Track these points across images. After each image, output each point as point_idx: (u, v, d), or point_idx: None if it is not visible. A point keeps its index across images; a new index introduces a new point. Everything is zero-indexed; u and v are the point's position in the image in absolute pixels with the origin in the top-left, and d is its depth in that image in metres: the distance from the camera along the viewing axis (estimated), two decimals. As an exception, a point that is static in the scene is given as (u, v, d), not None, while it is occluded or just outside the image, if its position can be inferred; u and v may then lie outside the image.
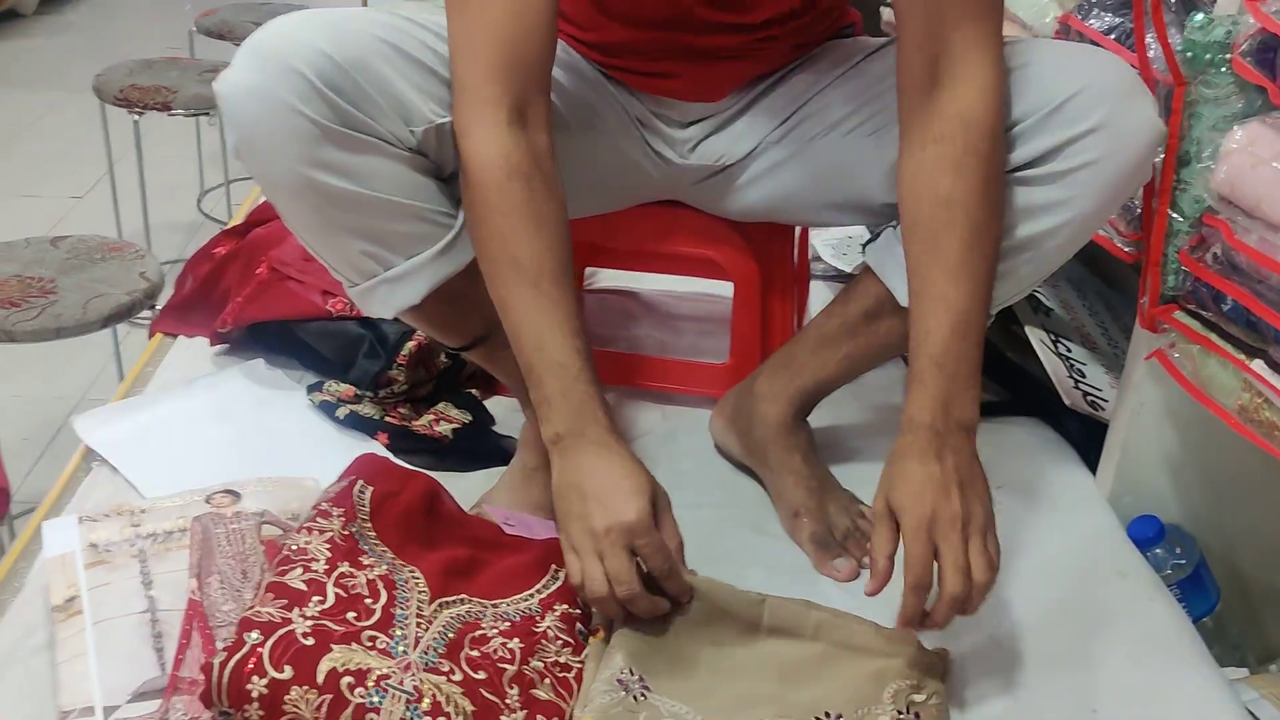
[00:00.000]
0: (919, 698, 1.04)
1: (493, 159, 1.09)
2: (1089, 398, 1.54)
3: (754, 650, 1.07)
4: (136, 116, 2.65)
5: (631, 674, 1.03)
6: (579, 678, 1.05)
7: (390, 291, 1.19)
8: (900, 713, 1.03)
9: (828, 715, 1.02)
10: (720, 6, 1.21)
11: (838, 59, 1.30)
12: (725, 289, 1.54)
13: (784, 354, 1.38)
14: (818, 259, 1.89)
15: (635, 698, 1.01)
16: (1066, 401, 1.52)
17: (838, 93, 1.28)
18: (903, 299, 1.19)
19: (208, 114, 2.71)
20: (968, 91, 1.07)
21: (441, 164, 1.16)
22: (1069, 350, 1.64)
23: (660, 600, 1.06)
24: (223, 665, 0.96)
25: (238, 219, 1.95)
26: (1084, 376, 1.58)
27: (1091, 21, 1.40)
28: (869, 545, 1.07)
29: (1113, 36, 1.36)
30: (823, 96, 1.28)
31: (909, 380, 1.08)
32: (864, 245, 1.31)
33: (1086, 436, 1.50)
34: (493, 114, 1.09)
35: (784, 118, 1.30)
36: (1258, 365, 1.08)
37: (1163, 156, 1.19)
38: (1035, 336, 1.63)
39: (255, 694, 0.94)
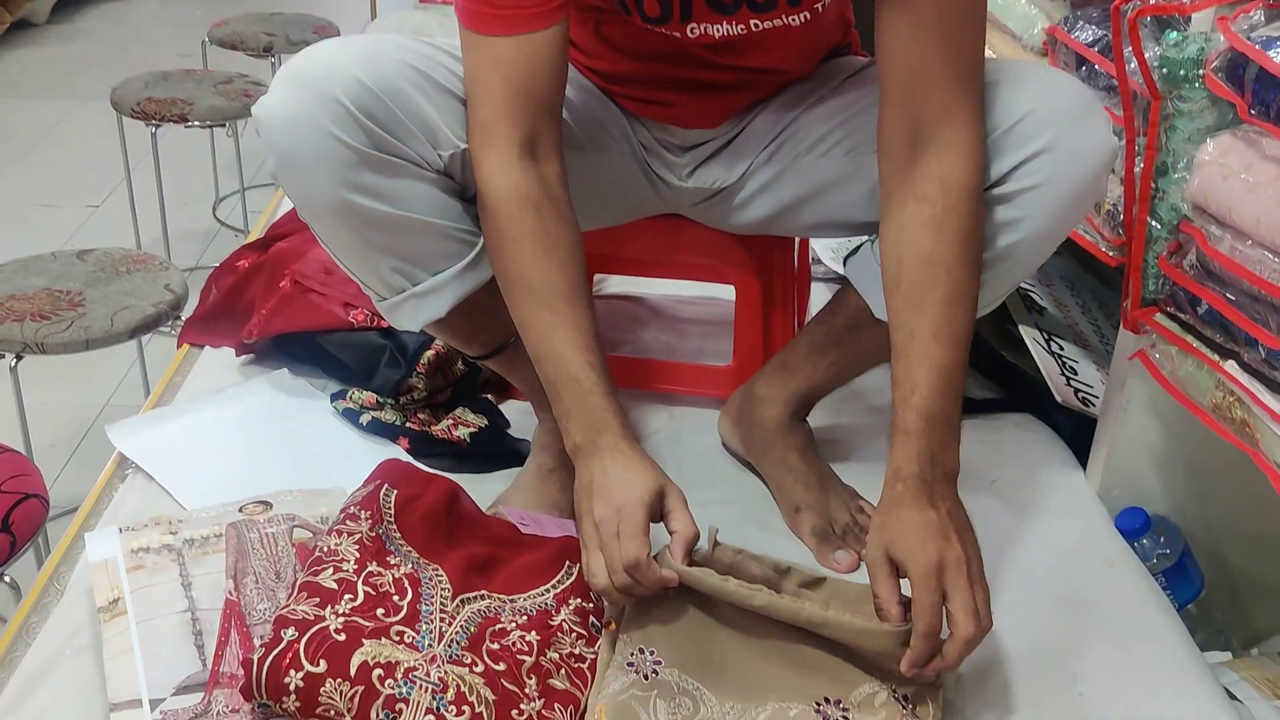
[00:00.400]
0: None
1: (505, 191, 1.15)
2: (1080, 394, 1.59)
3: (756, 629, 1.10)
4: (153, 129, 2.72)
5: (642, 653, 1.09)
6: (593, 668, 1.11)
7: (418, 305, 1.25)
8: (894, 689, 1.07)
9: (827, 700, 1.07)
10: (720, 52, 1.25)
11: (821, 79, 1.34)
12: (728, 292, 1.60)
13: (780, 359, 1.44)
14: (818, 262, 1.95)
15: (646, 676, 1.07)
16: (1059, 398, 1.57)
17: (818, 113, 1.32)
18: (878, 313, 1.25)
19: (223, 125, 2.77)
20: (948, 152, 1.11)
21: (465, 185, 1.22)
22: (1062, 349, 1.69)
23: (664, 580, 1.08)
24: (261, 660, 1.02)
25: (257, 231, 2.02)
26: (1075, 374, 1.64)
27: (1077, 34, 1.45)
28: (876, 598, 1.08)
29: (1096, 49, 1.41)
30: (804, 117, 1.33)
31: (895, 432, 1.11)
32: (845, 259, 1.36)
33: (1078, 432, 1.55)
34: (504, 149, 1.15)
35: (770, 139, 1.34)
36: (1230, 366, 1.13)
37: (1142, 166, 1.24)
38: (1029, 336, 1.68)
39: (293, 687, 1.01)
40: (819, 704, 1.07)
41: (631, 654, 1.09)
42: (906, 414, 1.10)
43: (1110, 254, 1.37)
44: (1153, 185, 1.24)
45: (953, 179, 1.11)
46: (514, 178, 1.15)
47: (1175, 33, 1.18)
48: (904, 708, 1.06)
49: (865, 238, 1.33)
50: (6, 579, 1.46)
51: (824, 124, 1.31)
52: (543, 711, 1.04)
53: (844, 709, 1.07)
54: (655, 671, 1.08)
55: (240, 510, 1.25)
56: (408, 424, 1.52)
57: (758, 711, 1.06)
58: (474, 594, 1.14)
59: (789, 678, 1.08)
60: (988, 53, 1.18)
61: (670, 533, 1.11)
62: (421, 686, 1.02)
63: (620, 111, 1.36)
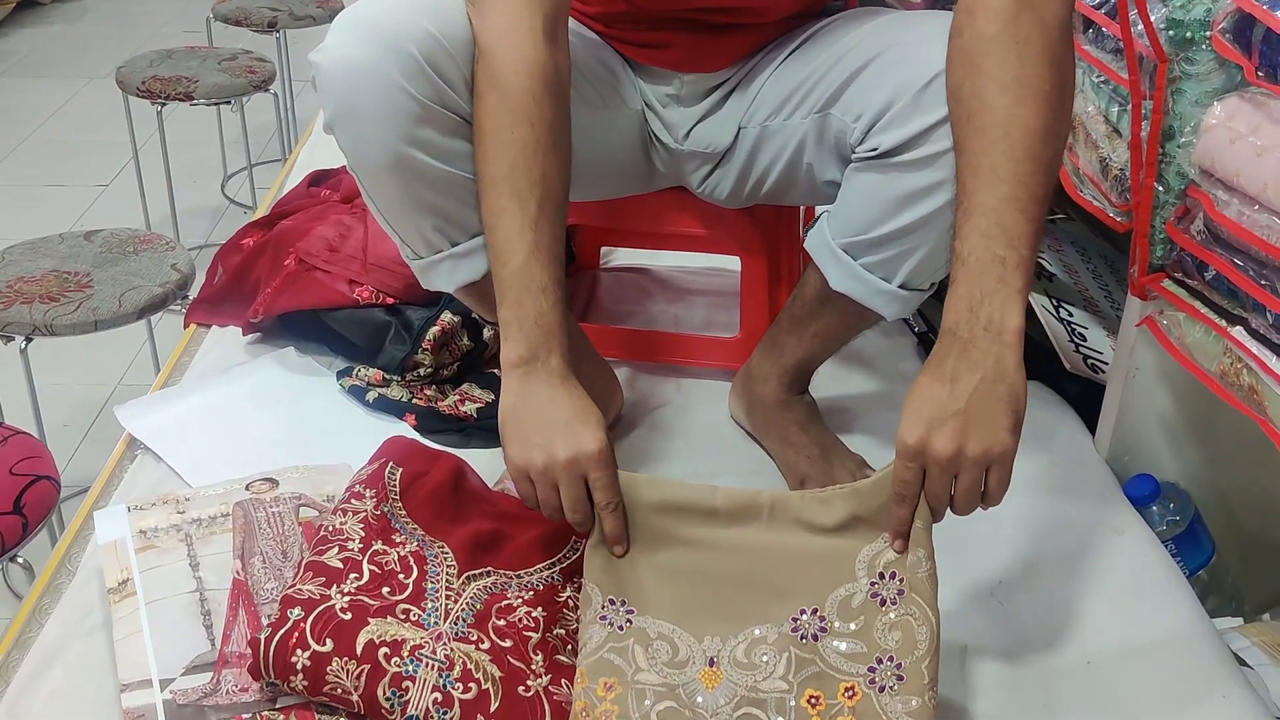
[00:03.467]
0: (894, 556, 1.02)
1: (530, 67, 1.08)
2: (1089, 361, 1.59)
3: (721, 552, 1.06)
4: (159, 107, 2.71)
5: (612, 604, 1.05)
6: (600, 643, 1.11)
7: (454, 266, 1.24)
8: (877, 580, 1.01)
9: (802, 612, 1.03)
10: None
11: (792, 37, 1.31)
12: (735, 262, 1.59)
13: (770, 335, 1.43)
14: (825, 231, 1.93)
15: (620, 627, 1.04)
16: (1067, 365, 1.57)
17: (784, 74, 1.29)
18: (832, 283, 1.25)
19: (228, 103, 2.77)
20: None
21: None
22: (1070, 315, 1.68)
23: (614, 527, 1.05)
24: (268, 640, 1.03)
25: (262, 209, 2.01)
26: (1085, 340, 1.63)
27: (1083, -4, 1.44)
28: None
29: (1102, 11, 1.39)
30: (774, 79, 1.30)
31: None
32: (805, 230, 1.35)
33: (1086, 399, 1.55)
34: (529, 21, 1.08)
35: (749, 102, 1.32)
36: (1237, 331, 1.12)
37: (1148, 131, 1.23)
38: (1037, 303, 1.67)
39: (299, 666, 1.01)
40: (795, 618, 1.02)
41: (602, 605, 1.05)
42: (952, 264, 0.99)
43: (1118, 219, 1.36)
44: (1159, 150, 1.22)
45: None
46: (540, 55, 1.09)
47: (1181, -6, 1.16)
48: (880, 606, 1.01)
49: (824, 210, 1.32)
50: (20, 560, 1.48)
51: (787, 86, 1.29)
52: (549, 687, 1.05)
53: (820, 617, 1.02)
54: (629, 621, 1.05)
55: (247, 488, 1.26)
56: (414, 400, 1.52)
57: (736, 642, 1.03)
58: (480, 570, 1.14)
59: (761, 602, 1.04)
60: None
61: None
62: (428, 664, 1.03)
63: (629, 70, 1.34)
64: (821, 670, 1.00)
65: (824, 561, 1.03)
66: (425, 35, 1.10)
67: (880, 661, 0.99)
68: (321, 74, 1.12)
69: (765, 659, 1.02)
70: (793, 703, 1.00)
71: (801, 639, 1.01)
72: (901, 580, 1.01)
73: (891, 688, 0.98)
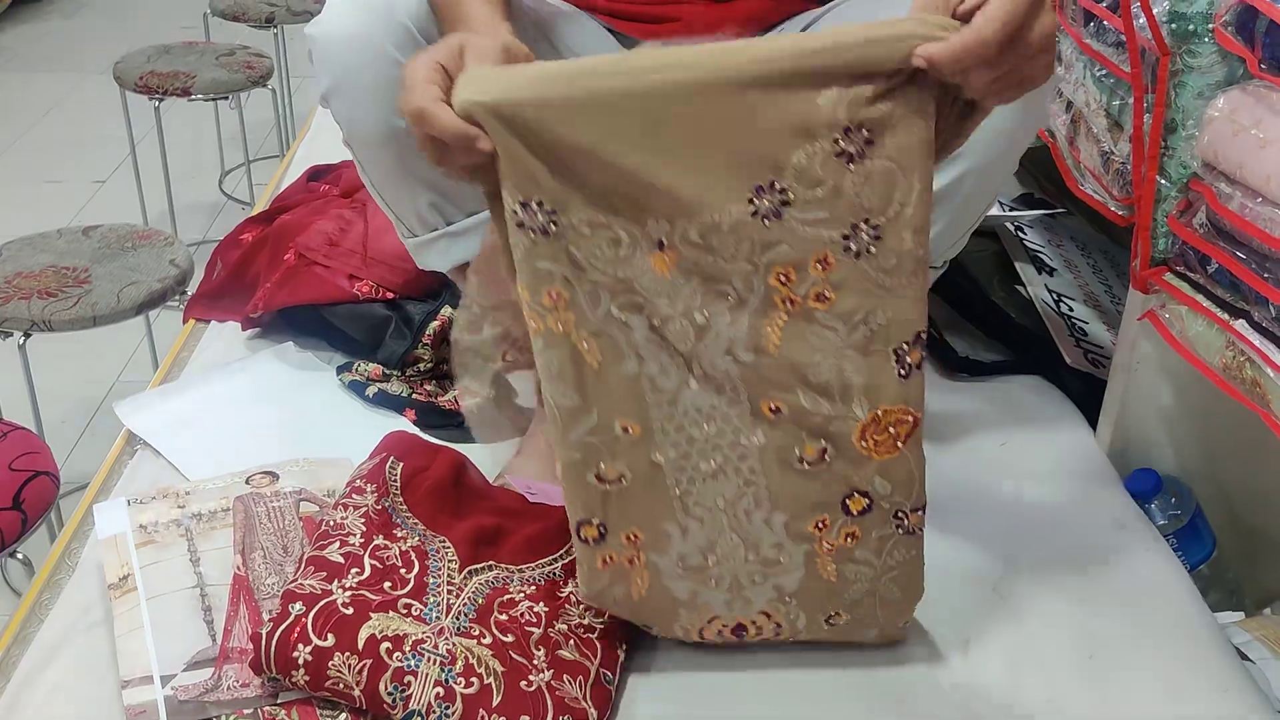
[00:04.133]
0: (870, 93, 0.84)
1: None
2: (1090, 355, 1.59)
3: (648, 119, 0.87)
4: (156, 102, 2.71)
5: (525, 208, 0.89)
6: (602, 638, 1.11)
7: (449, 245, 1.24)
8: (843, 135, 0.85)
9: (761, 190, 0.87)
10: None
11: (802, 20, 1.30)
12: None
13: None
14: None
15: (544, 231, 0.89)
16: (1068, 360, 1.56)
17: None
18: None
19: (226, 98, 2.76)
20: None
21: None
22: (1071, 309, 1.68)
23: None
24: (270, 635, 1.02)
25: (261, 204, 2.01)
26: (1085, 335, 1.63)
27: (1085, -11, 1.43)
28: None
29: (1104, 4, 1.39)
30: None
31: None
32: None
33: (1087, 393, 1.54)
34: None
35: None
36: (1240, 325, 1.12)
37: (1150, 124, 1.23)
38: (1038, 297, 1.67)
39: (301, 661, 1.01)
40: (751, 199, 0.87)
41: (515, 210, 0.89)
42: None
43: (1119, 213, 1.36)
44: (1161, 143, 1.22)
45: None
46: None
47: (1184, -14, 1.16)
48: (848, 164, 0.86)
49: None
50: (19, 556, 1.47)
51: None
52: (551, 683, 1.04)
53: (780, 189, 0.87)
54: (553, 223, 0.89)
55: (247, 481, 1.26)
56: (414, 395, 1.51)
57: (686, 225, 0.87)
58: (481, 565, 1.14)
59: (706, 178, 0.87)
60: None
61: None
62: (430, 659, 1.02)
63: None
64: (790, 246, 0.88)
65: (779, 108, 0.86)
66: (418, 5, 1.10)
67: (855, 227, 0.87)
68: (316, 46, 1.12)
69: (723, 243, 0.88)
70: (759, 283, 0.88)
71: (764, 221, 0.87)
72: (871, 131, 0.85)
73: (869, 250, 0.87)
